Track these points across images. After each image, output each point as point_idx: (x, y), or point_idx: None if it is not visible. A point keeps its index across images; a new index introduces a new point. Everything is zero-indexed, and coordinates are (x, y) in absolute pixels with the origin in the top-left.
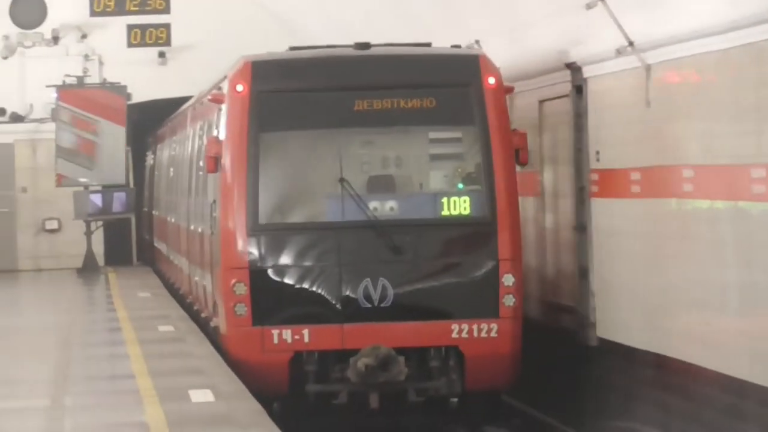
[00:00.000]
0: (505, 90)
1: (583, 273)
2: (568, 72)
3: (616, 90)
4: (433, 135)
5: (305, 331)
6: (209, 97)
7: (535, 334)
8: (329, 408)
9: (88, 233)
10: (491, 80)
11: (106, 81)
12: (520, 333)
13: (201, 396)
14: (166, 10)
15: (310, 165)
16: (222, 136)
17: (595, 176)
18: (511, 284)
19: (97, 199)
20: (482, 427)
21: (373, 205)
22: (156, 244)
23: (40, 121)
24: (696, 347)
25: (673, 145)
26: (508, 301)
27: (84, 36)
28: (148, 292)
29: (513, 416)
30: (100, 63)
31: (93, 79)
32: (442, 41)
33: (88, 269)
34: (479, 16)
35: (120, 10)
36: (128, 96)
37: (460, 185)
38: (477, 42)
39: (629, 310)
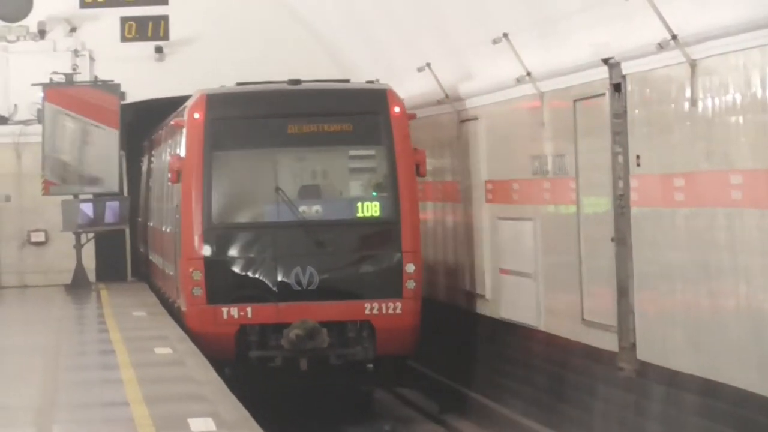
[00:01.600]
0: (407, 117)
1: (622, 290)
2: (604, 68)
3: (657, 88)
4: (351, 152)
5: (248, 309)
6: (172, 122)
7: (570, 358)
8: (268, 370)
9: (78, 246)
10: (396, 109)
11: (98, 79)
12: (420, 310)
13: (202, 425)
14: (164, 0)
15: (252, 177)
16: (182, 153)
17: (635, 183)
18: (412, 271)
19: (88, 209)
20: (391, 387)
21: (302, 208)
22: (151, 258)
23: (25, 123)
24: (752, 372)
25: (721, 148)
26: (410, 284)
27: (73, 29)
28: (143, 310)
29: (420, 379)
30: (91, 59)
31: (83, 76)
32: (466, 38)
33: (78, 286)
34: (507, 8)
35: (113, 0)
36: (122, 95)
37: (374, 193)
38: (428, 65)
39: (673, 330)
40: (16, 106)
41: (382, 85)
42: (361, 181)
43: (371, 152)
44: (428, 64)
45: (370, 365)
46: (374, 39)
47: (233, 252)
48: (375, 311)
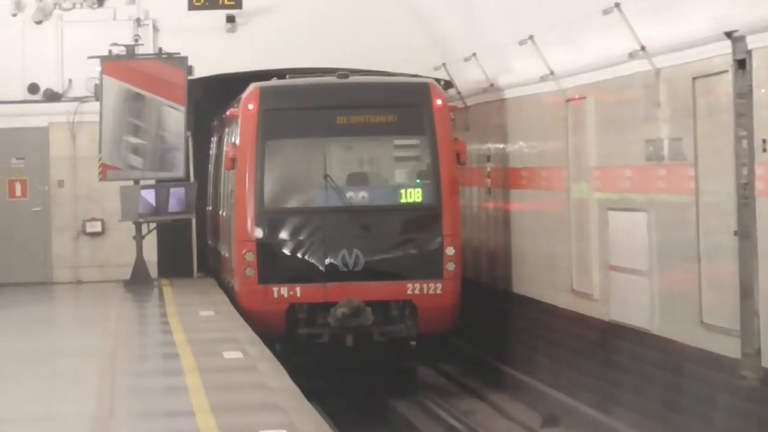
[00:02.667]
0: (449, 108)
1: (746, 290)
2: (727, 42)
3: None
4: (395, 142)
5: (298, 288)
6: (228, 113)
7: (687, 364)
8: (316, 347)
9: (139, 238)
10: (438, 102)
11: (163, 51)
12: (459, 290)
13: None
14: None
15: (302, 164)
16: (237, 142)
17: (761, 170)
18: (452, 254)
19: (149, 196)
20: (433, 362)
21: (349, 194)
22: (221, 250)
23: (81, 100)
24: None
25: None
26: (450, 266)
27: None
28: (211, 309)
29: (523, 387)
30: (155, 29)
31: (146, 49)
32: (574, 8)
33: (138, 281)
34: None
35: None
36: (189, 70)
37: (417, 180)
38: (531, 38)
39: None
40: (70, 81)
41: (425, 79)
42: (404, 169)
43: (415, 142)
44: (531, 37)
45: (413, 342)
46: (471, 9)
47: (283, 235)
48: (417, 291)
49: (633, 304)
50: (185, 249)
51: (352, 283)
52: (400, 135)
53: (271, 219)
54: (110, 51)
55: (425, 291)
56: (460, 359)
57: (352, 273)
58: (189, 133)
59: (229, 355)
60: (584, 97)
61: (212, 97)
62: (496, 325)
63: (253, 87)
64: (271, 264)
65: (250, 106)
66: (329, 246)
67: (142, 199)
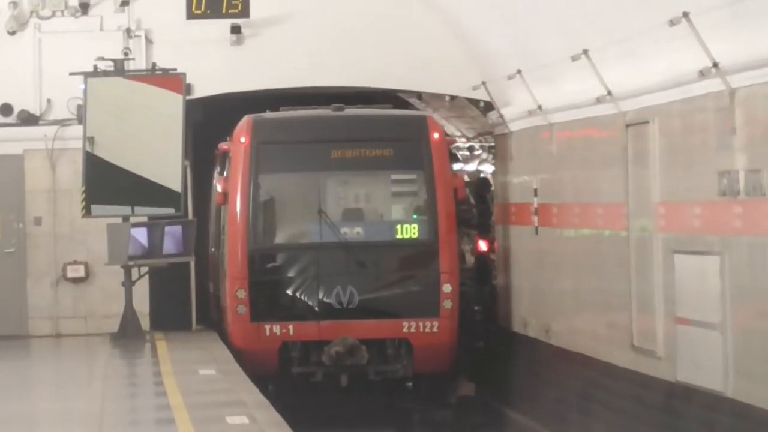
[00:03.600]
0: (447, 143)
1: None
2: None
3: None
4: (392, 177)
5: (291, 326)
6: (219, 147)
7: None
8: (311, 386)
9: (128, 284)
10: (436, 135)
11: (157, 67)
12: (456, 328)
13: None
14: None
15: (296, 199)
16: (229, 176)
17: None
18: (449, 291)
19: (141, 236)
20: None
21: (344, 230)
22: (212, 290)
23: (62, 123)
24: None
25: None
26: (447, 304)
27: (125, 3)
28: (212, 368)
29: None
30: (148, 41)
31: (137, 64)
32: (635, 20)
33: (127, 335)
34: None
35: None
36: (188, 89)
37: (414, 215)
38: (585, 52)
39: None
40: (49, 101)
41: (422, 112)
42: (401, 204)
43: (411, 177)
44: (585, 52)
45: (410, 383)
46: (515, 20)
47: (276, 271)
48: (413, 329)
49: (703, 363)
50: (183, 297)
51: (347, 321)
52: (397, 169)
53: (264, 255)
54: (96, 66)
55: (421, 329)
56: (505, 426)
57: (347, 310)
58: (187, 163)
59: (234, 420)
60: (647, 122)
61: (214, 121)
62: (545, 387)
63: (245, 119)
64: (264, 301)
65: (242, 139)
66: (323, 283)
67: (132, 239)
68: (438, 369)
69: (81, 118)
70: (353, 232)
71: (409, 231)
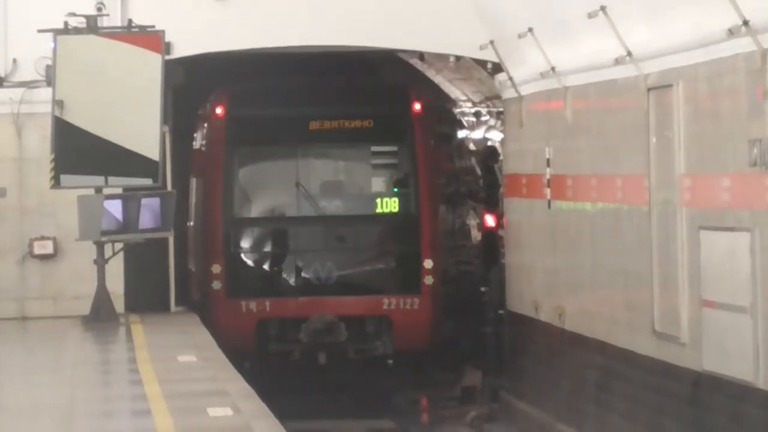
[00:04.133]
0: (429, 114)
1: None
2: None
3: None
4: (372, 149)
5: (267, 302)
6: (197, 117)
7: None
8: (288, 364)
9: (101, 262)
10: (417, 106)
11: (133, 24)
12: (438, 305)
13: None
14: None
15: (273, 172)
16: (204, 148)
17: None
18: (430, 267)
19: (115, 209)
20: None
21: (323, 203)
22: (191, 265)
23: (29, 85)
24: None
25: None
26: (428, 280)
27: None
28: (193, 354)
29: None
30: None
31: (112, 20)
32: None
33: (100, 318)
34: None
35: None
36: (167, 48)
37: (395, 189)
38: (603, 9)
39: None
40: (15, 61)
41: (404, 83)
42: (381, 177)
43: (392, 149)
44: (603, 8)
45: (390, 361)
46: None
47: (253, 246)
48: (393, 306)
49: (732, 350)
50: (161, 276)
51: (325, 298)
52: (377, 141)
53: (240, 229)
54: (66, 23)
55: (401, 306)
56: (515, 419)
57: (325, 286)
58: (166, 129)
59: (216, 412)
60: (670, 86)
61: (197, 83)
62: (559, 376)
63: (220, 90)
64: (240, 277)
65: (218, 110)
66: (301, 258)
67: (106, 213)
68: (419, 347)
69: (50, 79)
70: (332, 205)
71: (390, 205)
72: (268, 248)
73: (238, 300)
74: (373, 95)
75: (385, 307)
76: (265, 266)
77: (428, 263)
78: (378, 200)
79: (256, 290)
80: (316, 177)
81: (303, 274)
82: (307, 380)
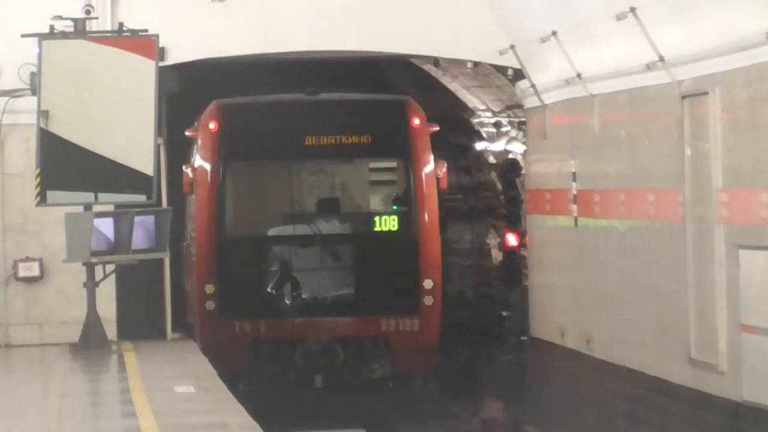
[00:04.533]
0: (428, 128)
1: None
2: None
3: None
4: (369, 165)
5: (261, 323)
6: (186, 133)
7: None
8: (283, 388)
9: (91, 285)
10: (416, 121)
11: (125, 27)
12: (438, 327)
13: None
14: None
15: (267, 189)
16: (196, 164)
17: None
18: (430, 287)
19: (106, 227)
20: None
21: (319, 221)
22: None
23: (12, 94)
24: None
25: None
26: (428, 300)
27: None
28: (191, 384)
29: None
30: None
31: (102, 24)
32: None
33: (90, 345)
34: None
35: None
36: (161, 53)
37: (395, 207)
38: (633, 10)
39: None
40: None
41: (402, 97)
42: (379, 194)
43: (390, 165)
44: (632, 10)
45: (391, 384)
46: None
47: (247, 265)
48: (392, 327)
49: None
50: (156, 300)
51: (322, 318)
52: (375, 157)
53: (233, 248)
54: (52, 27)
55: (400, 327)
56: None
57: (322, 307)
58: (161, 141)
59: None
60: (706, 93)
61: (193, 92)
62: (586, 407)
63: (213, 105)
64: (233, 296)
65: (211, 126)
66: (297, 277)
67: (96, 232)
68: (420, 371)
69: (35, 88)
70: (328, 223)
71: (388, 223)
72: (262, 268)
73: (232, 320)
74: (370, 109)
75: (383, 328)
76: (260, 286)
77: (428, 283)
78: (376, 218)
79: (250, 311)
80: (312, 194)
81: (299, 294)
82: (302, 405)
